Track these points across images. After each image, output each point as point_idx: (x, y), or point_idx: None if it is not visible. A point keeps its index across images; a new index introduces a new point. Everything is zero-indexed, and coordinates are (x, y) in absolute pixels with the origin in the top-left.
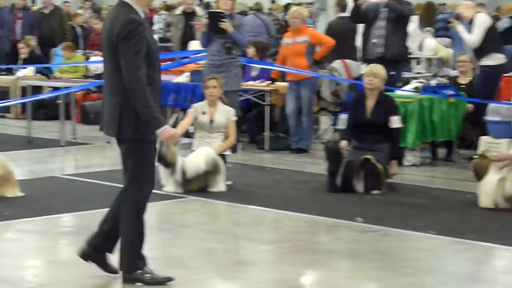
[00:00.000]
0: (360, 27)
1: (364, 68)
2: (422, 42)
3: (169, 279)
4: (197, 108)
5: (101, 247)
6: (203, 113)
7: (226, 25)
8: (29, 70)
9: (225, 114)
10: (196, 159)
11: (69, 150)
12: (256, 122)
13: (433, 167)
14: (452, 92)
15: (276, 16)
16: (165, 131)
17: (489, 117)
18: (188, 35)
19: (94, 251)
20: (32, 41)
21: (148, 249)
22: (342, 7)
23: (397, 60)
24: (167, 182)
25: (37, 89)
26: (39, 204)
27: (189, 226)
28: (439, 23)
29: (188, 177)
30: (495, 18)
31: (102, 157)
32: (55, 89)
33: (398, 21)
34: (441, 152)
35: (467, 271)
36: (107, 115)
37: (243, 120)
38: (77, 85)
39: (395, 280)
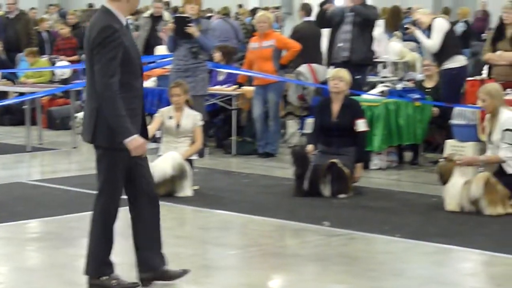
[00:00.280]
0: (325, 31)
1: (330, 72)
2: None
3: (136, 285)
4: (163, 113)
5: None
6: (170, 117)
7: (193, 29)
8: None
9: (192, 118)
10: (163, 164)
11: (35, 156)
12: (223, 127)
13: (399, 171)
14: (418, 96)
15: (243, 21)
16: (133, 141)
17: (454, 121)
18: (152, 39)
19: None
20: None
21: (115, 254)
22: (307, 11)
23: (363, 64)
24: None
25: (2, 95)
26: (5, 210)
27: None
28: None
29: (155, 182)
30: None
31: (68, 162)
32: (21, 94)
33: (364, 25)
34: (407, 155)
35: (433, 274)
36: (85, 121)
37: (210, 124)
38: (43, 90)
39: (362, 284)
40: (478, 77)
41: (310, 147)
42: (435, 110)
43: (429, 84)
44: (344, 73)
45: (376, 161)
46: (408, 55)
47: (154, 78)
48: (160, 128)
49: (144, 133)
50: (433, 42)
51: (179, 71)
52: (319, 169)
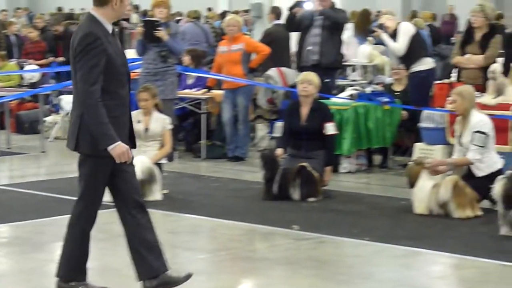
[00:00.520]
0: (294, 35)
1: (299, 76)
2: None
3: None
4: (133, 116)
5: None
6: (138, 121)
7: (162, 33)
8: None
9: (161, 122)
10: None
11: (4, 160)
12: (193, 131)
13: (369, 174)
14: (386, 99)
15: (213, 24)
16: (116, 148)
17: (423, 124)
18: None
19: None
20: None
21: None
22: (277, 14)
23: (332, 68)
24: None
25: None
26: None
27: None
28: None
29: None
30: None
31: (37, 167)
32: None
33: (333, 29)
34: (377, 159)
35: (402, 277)
36: (69, 128)
37: (179, 128)
38: (11, 95)
39: (333, 287)
40: (446, 80)
41: (279, 151)
42: (404, 113)
43: (398, 87)
44: (313, 77)
45: (345, 165)
46: (377, 58)
47: None
48: None
49: (132, 141)
50: (399, 45)
51: (148, 75)
52: (288, 172)
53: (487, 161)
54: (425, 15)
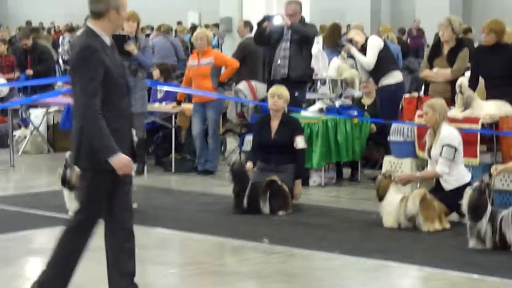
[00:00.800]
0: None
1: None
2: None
3: None
4: None
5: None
6: None
7: (131, 47)
8: None
9: None
10: None
11: None
12: (163, 144)
13: (338, 187)
14: (356, 113)
15: (182, 38)
16: (118, 159)
17: (392, 137)
18: None
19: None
20: None
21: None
22: (250, 28)
23: (301, 81)
24: (72, 205)
25: None
26: None
27: (95, 250)
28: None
29: None
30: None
31: (6, 181)
32: None
33: (302, 43)
34: (346, 172)
35: None
36: (71, 142)
37: (149, 142)
38: None
39: None
40: (415, 94)
41: (249, 165)
42: (373, 127)
43: (367, 101)
44: (284, 91)
45: (315, 178)
46: (347, 72)
47: None
48: None
49: (132, 154)
50: (368, 59)
51: None
52: (258, 186)
53: (456, 175)
54: (385, 28)
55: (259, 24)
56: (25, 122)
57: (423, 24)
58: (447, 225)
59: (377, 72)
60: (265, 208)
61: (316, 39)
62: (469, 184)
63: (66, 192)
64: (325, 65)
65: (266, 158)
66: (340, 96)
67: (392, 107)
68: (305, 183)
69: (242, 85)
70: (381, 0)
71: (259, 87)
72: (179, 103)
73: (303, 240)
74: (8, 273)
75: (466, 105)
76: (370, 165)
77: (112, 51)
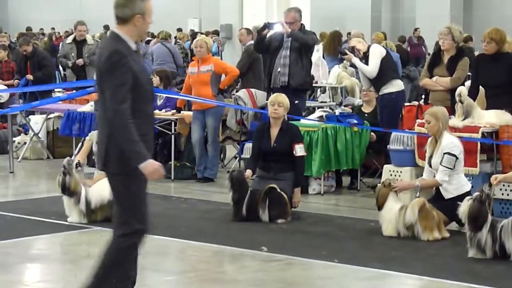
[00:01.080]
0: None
1: (269, 97)
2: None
3: None
4: (92, 137)
5: None
6: (97, 143)
7: None
8: None
9: None
10: (100, 189)
11: None
12: (162, 151)
13: (338, 196)
14: (355, 121)
15: (182, 45)
16: (149, 165)
17: (391, 146)
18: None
19: None
20: None
21: (51, 281)
22: (253, 35)
23: (301, 89)
24: (71, 212)
25: None
26: None
27: (93, 257)
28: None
29: (93, 207)
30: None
31: (5, 187)
32: None
33: (302, 51)
34: (346, 180)
35: None
36: (98, 148)
37: None
38: None
39: None
40: (415, 103)
41: (248, 172)
42: (373, 135)
43: (367, 109)
44: (284, 98)
45: (314, 186)
46: (347, 80)
47: (91, 103)
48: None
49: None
50: (371, 68)
51: None
52: (257, 194)
53: (456, 184)
54: (377, 36)
55: (259, 31)
56: (25, 128)
57: (423, 32)
58: (447, 234)
59: (379, 80)
60: (264, 216)
61: (316, 47)
62: (469, 193)
63: (65, 199)
64: (325, 73)
65: (266, 166)
66: (340, 104)
67: (392, 116)
68: (304, 191)
69: (242, 93)
70: (381, 8)
71: (259, 94)
72: (178, 110)
73: (302, 249)
74: (7, 280)
75: (466, 114)
76: (370, 174)
77: (137, 56)
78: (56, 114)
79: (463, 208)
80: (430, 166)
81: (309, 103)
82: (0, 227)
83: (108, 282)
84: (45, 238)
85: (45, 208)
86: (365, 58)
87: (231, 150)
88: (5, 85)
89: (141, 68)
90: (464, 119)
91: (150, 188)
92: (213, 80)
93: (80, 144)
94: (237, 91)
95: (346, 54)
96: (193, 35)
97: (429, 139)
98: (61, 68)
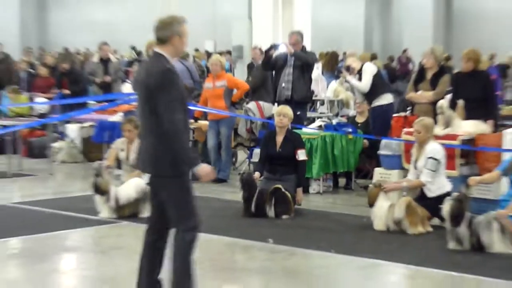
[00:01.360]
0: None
1: (275, 109)
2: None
3: None
4: (117, 144)
5: None
6: (122, 150)
7: None
8: None
9: None
10: (128, 188)
11: (16, 181)
12: None
13: (335, 195)
14: (350, 130)
15: (199, 63)
16: (202, 169)
17: (382, 151)
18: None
19: None
20: None
21: (85, 269)
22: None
23: (303, 102)
24: (102, 208)
25: None
26: None
27: (121, 248)
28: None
29: (121, 204)
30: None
31: (45, 187)
32: (4, 126)
33: (304, 68)
34: (342, 181)
35: (361, 286)
36: (144, 155)
37: None
38: (23, 124)
39: None
40: (402, 114)
41: (256, 174)
42: (365, 142)
43: (360, 119)
44: (288, 110)
45: (314, 186)
46: (342, 94)
47: (120, 113)
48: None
49: None
50: (364, 83)
51: None
52: (264, 193)
53: (438, 184)
54: (364, 57)
55: (267, 51)
56: (62, 135)
57: (410, 52)
58: (430, 229)
59: (371, 94)
60: (271, 212)
61: (316, 65)
62: (449, 193)
63: (97, 197)
64: (323, 87)
65: (272, 168)
66: (337, 115)
67: (383, 125)
68: (306, 190)
69: (251, 105)
70: (373, 32)
71: (266, 106)
72: (196, 120)
73: (303, 241)
74: (46, 268)
75: (447, 124)
76: (363, 176)
77: (177, 73)
78: (90, 123)
79: (445, 206)
80: (415, 168)
81: (309, 114)
82: (40, 221)
83: (188, 273)
84: (79, 231)
85: (79, 205)
86: (358, 74)
87: (242, 154)
88: (46, 98)
89: (182, 83)
90: (445, 128)
91: None
92: (226, 94)
93: (110, 150)
94: (247, 103)
95: (342, 72)
96: (209, 54)
97: (415, 145)
98: None
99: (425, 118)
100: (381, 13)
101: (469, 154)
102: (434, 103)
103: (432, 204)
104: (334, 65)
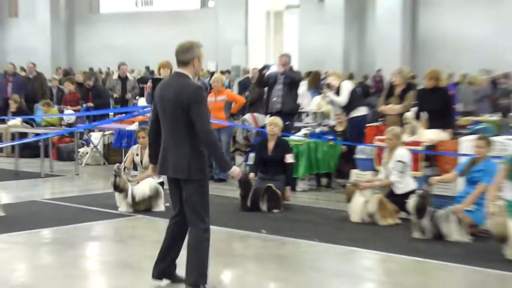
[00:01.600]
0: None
1: (267, 119)
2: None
3: None
4: (133, 150)
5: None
6: (136, 154)
7: None
8: (17, 120)
9: None
10: (142, 186)
11: (47, 181)
12: None
13: (318, 192)
14: (331, 137)
15: (203, 80)
16: (234, 171)
17: (357, 155)
18: (124, 96)
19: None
20: (19, 98)
21: (106, 255)
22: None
23: (291, 114)
24: (121, 204)
25: (23, 135)
26: (24, 221)
27: (137, 237)
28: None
29: (137, 200)
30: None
31: (72, 186)
32: (37, 134)
33: (291, 85)
34: (323, 181)
35: (341, 269)
36: (174, 162)
37: None
38: (54, 132)
39: (290, 276)
40: (375, 124)
41: (252, 175)
42: (344, 147)
43: (339, 128)
44: (278, 120)
45: (300, 185)
46: (324, 107)
47: (136, 123)
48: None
49: None
50: (342, 98)
51: None
52: (258, 191)
53: (404, 183)
54: (338, 75)
55: (260, 71)
56: (87, 142)
57: (382, 72)
58: (398, 221)
59: (348, 107)
60: (264, 207)
61: (302, 82)
62: (414, 190)
63: (116, 194)
64: (308, 101)
65: (265, 170)
66: (319, 124)
67: (358, 133)
68: (293, 189)
69: (247, 116)
70: (350, 55)
71: (260, 117)
72: None
73: (292, 231)
74: (74, 254)
75: (412, 132)
76: (341, 176)
77: (205, 90)
78: (110, 131)
79: (411, 202)
80: (386, 170)
81: (296, 124)
82: (69, 215)
83: (205, 260)
84: (101, 223)
85: (101, 201)
86: (337, 91)
87: (239, 158)
88: (73, 110)
89: None
90: (411, 136)
91: None
92: (226, 107)
93: (127, 154)
94: (243, 115)
95: (323, 89)
96: (212, 73)
97: (385, 150)
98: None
99: (395, 127)
100: (358, 39)
101: (431, 158)
102: (401, 115)
103: (400, 200)
104: (317, 83)
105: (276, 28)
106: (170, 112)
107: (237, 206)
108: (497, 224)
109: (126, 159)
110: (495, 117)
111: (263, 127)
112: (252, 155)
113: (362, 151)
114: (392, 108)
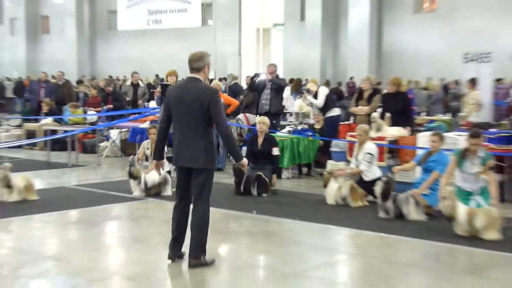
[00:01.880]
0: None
1: (257, 119)
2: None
3: (213, 261)
4: (144, 144)
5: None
6: (147, 148)
7: None
8: (49, 120)
9: None
10: (153, 174)
11: (74, 170)
12: None
13: (299, 179)
14: (310, 134)
15: None
16: (244, 161)
17: (333, 149)
18: (136, 99)
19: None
20: (50, 101)
21: (123, 232)
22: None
23: (277, 114)
24: (135, 189)
25: (53, 131)
26: (54, 204)
27: (149, 217)
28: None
29: (148, 186)
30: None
31: (94, 174)
32: (65, 131)
33: (278, 90)
34: (304, 170)
35: (318, 243)
36: (191, 153)
37: None
38: (79, 129)
39: (276, 249)
40: (347, 122)
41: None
42: (321, 142)
43: (317, 126)
44: (266, 120)
45: (285, 173)
46: (305, 108)
47: (148, 122)
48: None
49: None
50: (319, 101)
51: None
52: (250, 178)
53: (372, 171)
54: (312, 80)
55: (251, 78)
56: (107, 138)
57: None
58: (366, 203)
59: (324, 109)
60: (254, 192)
61: (286, 88)
62: (380, 178)
63: (131, 181)
64: (291, 104)
65: (255, 161)
66: (301, 123)
67: (333, 130)
68: (279, 176)
69: (241, 116)
70: (326, 64)
71: (251, 117)
72: None
73: (277, 212)
74: (96, 231)
75: (378, 129)
76: (319, 166)
77: None
78: (126, 129)
79: (377, 187)
80: (356, 160)
81: (282, 123)
82: (92, 198)
83: (205, 236)
84: (119, 205)
85: (119, 187)
86: (315, 94)
87: None
88: (95, 111)
89: None
90: (377, 132)
91: None
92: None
93: (140, 148)
94: (237, 115)
95: (303, 93)
96: (210, 80)
97: (356, 144)
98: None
99: (364, 125)
100: (332, 52)
101: (393, 151)
102: (369, 115)
103: (368, 186)
104: (299, 88)
105: (264, 43)
106: (190, 111)
107: (232, 191)
108: (447, 206)
109: (139, 152)
110: (447, 116)
111: (254, 125)
112: (244, 149)
113: (336, 145)
114: (361, 109)
